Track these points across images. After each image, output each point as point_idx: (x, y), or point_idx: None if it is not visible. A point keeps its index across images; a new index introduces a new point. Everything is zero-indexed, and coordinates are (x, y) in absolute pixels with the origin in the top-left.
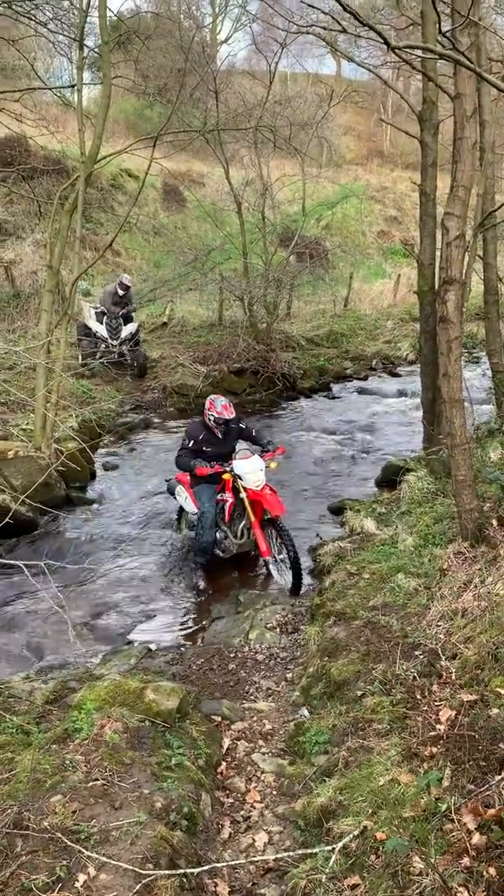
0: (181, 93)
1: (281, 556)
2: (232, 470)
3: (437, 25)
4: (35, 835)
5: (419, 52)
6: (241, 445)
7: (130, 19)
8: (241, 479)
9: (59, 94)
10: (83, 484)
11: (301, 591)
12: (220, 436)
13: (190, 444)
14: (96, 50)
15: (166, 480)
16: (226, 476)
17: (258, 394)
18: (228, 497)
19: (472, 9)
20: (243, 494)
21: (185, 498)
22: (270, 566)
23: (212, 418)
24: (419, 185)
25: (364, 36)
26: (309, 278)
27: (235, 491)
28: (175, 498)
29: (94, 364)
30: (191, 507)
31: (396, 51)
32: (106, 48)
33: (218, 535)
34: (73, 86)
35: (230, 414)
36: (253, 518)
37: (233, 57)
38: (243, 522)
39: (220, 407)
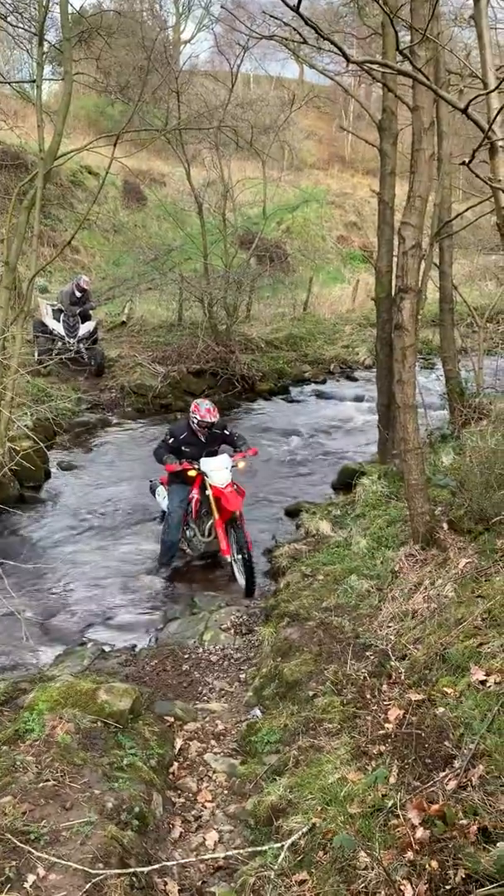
0: (143, 91)
1: (238, 557)
2: (199, 467)
3: (396, 42)
4: None
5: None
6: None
7: (93, 16)
8: (207, 476)
9: (18, 89)
10: (37, 483)
11: (254, 594)
12: (202, 439)
13: (170, 441)
14: (57, 45)
15: (150, 481)
16: (192, 473)
17: (217, 395)
18: (195, 493)
19: (431, 24)
20: (209, 491)
21: (163, 498)
22: (233, 565)
23: (195, 421)
24: (378, 193)
25: (325, 49)
26: (269, 281)
27: (203, 488)
28: (156, 498)
29: (51, 362)
30: (167, 506)
31: (356, 63)
32: (67, 44)
33: (188, 533)
34: (32, 81)
35: (213, 417)
36: (217, 516)
37: (195, 58)
38: (211, 521)
39: (203, 410)
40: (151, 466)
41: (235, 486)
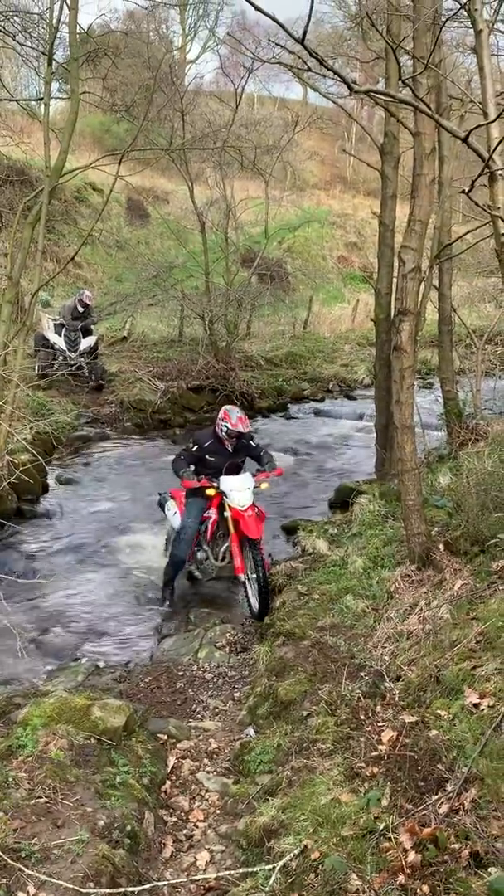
0: (148, 110)
1: (253, 577)
2: (218, 486)
3: (399, 72)
4: None
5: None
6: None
7: (100, 36)
8: (226, 496)
9: (25, 106)
10: (35, 497)
11: (266, 617)
12: (229, 449)
13: (193, 448)
14: (65, 65)
15: (159, 493)
16: (210, 492)
17: (216, 412)
18: (213, 514)
19: (434, 52)
20: (227, 513)
21: (173, 513)
22: (245, 585)
23: (224, 429)
24: (378, 216)
25: (329, 76)
26: (269, 299)
27: (221, 508)
28: (164, 512)
29: (52, 376)
30: (177, 522)
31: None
32: (75, 64)
33: (199, 554)
34: (40, 99)
35: (245, 427)
36: (233, 532)
37: (200, 78)
38: (226, 544)
39: (234, 419)
40: (149, 482)
41: (257, 510)
